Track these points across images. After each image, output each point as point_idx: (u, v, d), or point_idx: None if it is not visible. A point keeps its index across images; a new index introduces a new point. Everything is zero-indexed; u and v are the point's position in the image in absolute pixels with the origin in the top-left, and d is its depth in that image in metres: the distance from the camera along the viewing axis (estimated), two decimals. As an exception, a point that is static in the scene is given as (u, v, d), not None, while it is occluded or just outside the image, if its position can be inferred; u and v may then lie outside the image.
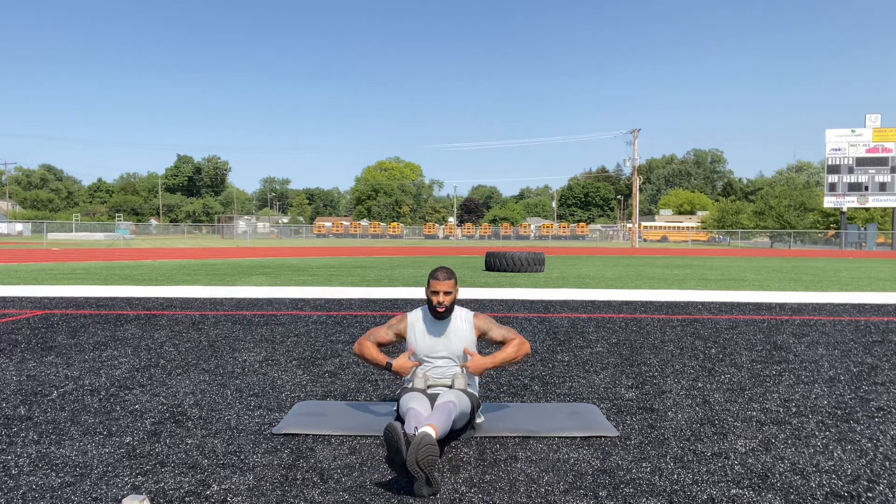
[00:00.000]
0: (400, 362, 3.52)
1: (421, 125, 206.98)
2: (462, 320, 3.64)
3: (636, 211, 52.31)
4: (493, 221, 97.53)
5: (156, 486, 2.74)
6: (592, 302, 9.67)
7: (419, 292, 10.54)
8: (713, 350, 5.89)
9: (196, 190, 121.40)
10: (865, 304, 9.73)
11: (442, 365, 3.55)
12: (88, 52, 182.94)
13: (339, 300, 9.66)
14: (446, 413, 3.07)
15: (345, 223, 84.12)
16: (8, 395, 4.15)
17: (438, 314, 3.53)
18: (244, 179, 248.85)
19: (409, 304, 9.15)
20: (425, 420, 3.00)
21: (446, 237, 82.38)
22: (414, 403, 3.21)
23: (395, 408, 3.78)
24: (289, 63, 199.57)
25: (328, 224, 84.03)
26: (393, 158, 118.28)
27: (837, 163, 48.26)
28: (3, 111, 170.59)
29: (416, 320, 3.65)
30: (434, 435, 2.82)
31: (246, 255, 24.68)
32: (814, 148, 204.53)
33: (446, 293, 3.51)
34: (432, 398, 3.38)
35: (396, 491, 2.71)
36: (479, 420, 3.51)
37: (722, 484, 2.81)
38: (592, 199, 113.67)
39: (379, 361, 3.61)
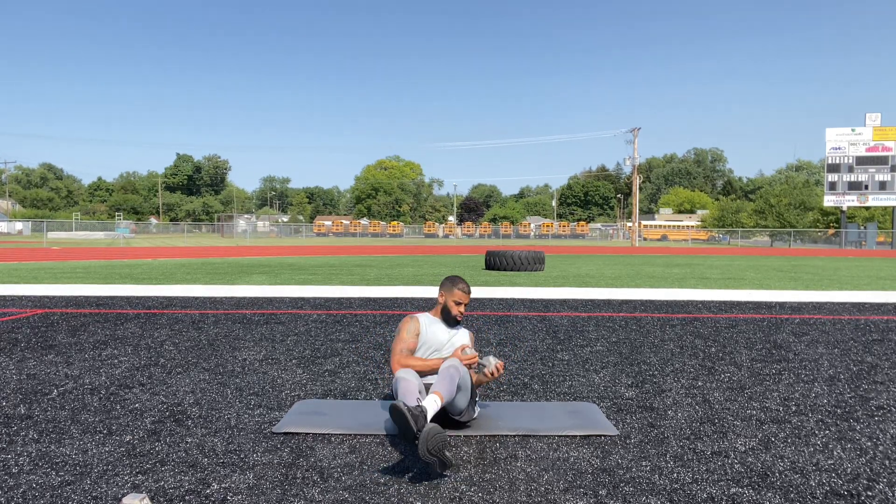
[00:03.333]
0: (478, 378, 3.57)
1: (421, 124, 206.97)
2: (463, 329, 3.91)
3: (636, 210, 52.30)
4: (493, 220, 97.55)
5: (156, 485, 2.74)
6: (592, 301, 9.67)
7: (419, 291, 10.54)
8: (713, 349, 5.89)
9: (196, 189, 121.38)
10: (865, 303, 9.74)
11: None
12: (88, 50, 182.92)
13: (339, 299, 9.66)
14: (448, 378, 3.25)
15: (345, 222, 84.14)
16: (8, 394, 4.15)
17: (457, 322, 3.82)
18: (244, 178, 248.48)
19: (410, 304, 9.16)
20: (432, 388, 3.20)
21: (446, 236, 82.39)
22: (405, 374, 3.36)
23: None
24: (289, 62, 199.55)
25: (328, 223, 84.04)
26: (393, 157, 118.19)
27: (837, 162, 48.25)
28: (2, 110, 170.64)
29: (427, 323, 3.82)
30: (440, 402, 3.13)
31: (246, 254, 24.68)
32: (814, 147, 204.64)
33: (467, 305, 3.85)
34: (427, 387, 3.55)
35: (396, 490, 2.71)
36: (475, 414, 3.56)
37: (722, 482, 2.81)
38: (592, 197, 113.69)
39: (434, 366, 3.60)
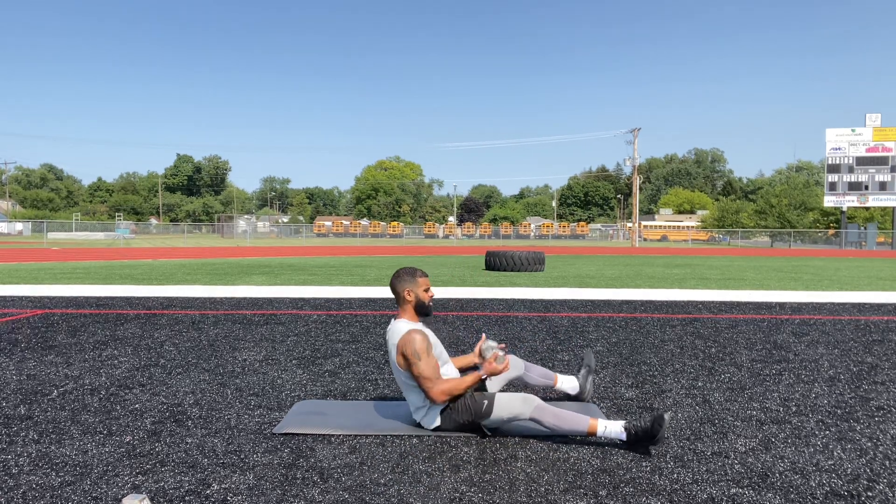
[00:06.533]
0: (489, 368, 3.43)
1: (421, 124, 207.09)
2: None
3: (636, 210, 52.32)
4: (493, 221, 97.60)
5: (156, 486, 2.74)
6: (592, 301, 9.67)
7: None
8: (713, 349, 5.89)
9: (196, 189, 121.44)
10: (865, 304, 9.73)
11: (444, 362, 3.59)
12: (88, 50, 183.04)
13: (339, 299, 9.66)
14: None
15: (345, 222, 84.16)
16: (8, 395, 4.15)
17: (431, 312, 3.58)
18: (244, 179, 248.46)
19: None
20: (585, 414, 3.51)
21: (446, 236, 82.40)
22: (541, 406, 3.29)
23: (484, 408, 3.32)
24: (289, 62, 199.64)
25: (328, 223, 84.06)
26: (393, 158, 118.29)
27: (837, 162, 48.24)
28: (3, 110, 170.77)
29: (428, 332, 3.51)
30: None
31: (246, 255, 24.67)
32: (814, 147, 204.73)
33: None
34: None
35: (396, 490, 2.71)
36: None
37: (722, 483, 2.81)
38: (592, 198, 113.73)
39: (472, 384, 3.39)
